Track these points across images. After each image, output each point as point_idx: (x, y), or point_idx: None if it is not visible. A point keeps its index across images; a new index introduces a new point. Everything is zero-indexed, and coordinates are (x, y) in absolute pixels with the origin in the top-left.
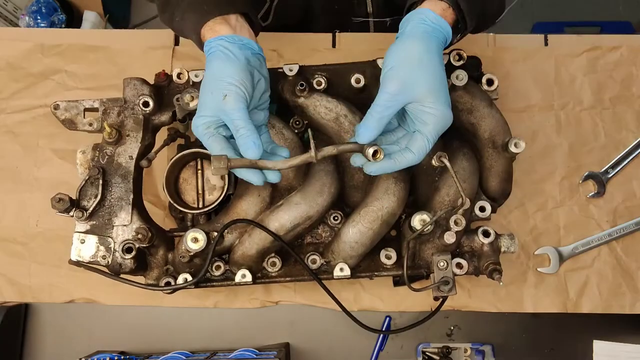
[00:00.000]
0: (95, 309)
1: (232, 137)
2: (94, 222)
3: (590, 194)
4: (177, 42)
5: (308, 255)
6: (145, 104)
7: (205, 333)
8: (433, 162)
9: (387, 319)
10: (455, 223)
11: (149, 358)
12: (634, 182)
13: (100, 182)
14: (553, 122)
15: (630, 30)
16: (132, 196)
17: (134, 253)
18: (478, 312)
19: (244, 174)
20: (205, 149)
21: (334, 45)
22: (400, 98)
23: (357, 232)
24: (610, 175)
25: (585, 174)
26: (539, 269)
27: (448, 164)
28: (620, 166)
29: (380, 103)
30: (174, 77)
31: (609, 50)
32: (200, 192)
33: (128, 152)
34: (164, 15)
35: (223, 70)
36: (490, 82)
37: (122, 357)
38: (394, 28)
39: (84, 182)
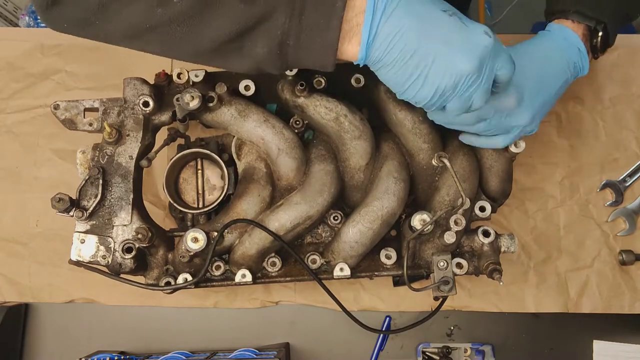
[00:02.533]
0: (95, 309)
1: None
2: (94, 222)
3: (608, 203)
4: None
5: (308, 255)
6: (145, 104)
7: (205, 333)
8: (433, 162)
9: (387, 319)
10: (455, 223)
11: (149, 358)
12: None
13: (100, 182)
14: (553, 122)
15: (630, 30)
16: (132, 196)
17: (134, 253)
18: (478, 312)
19: None
20: (205, 149)
21: None
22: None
23: (357, 232)
24: (628, 184)
25: (603, 182)
26: (618, 234)
27: (448, 163)
28: (638, 175)
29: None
30: (174, 77)
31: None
32: (200, 192)
33: (128, 152)
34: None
35: None
36: None
37: (122, 357)
38: None
39: (84, 182)
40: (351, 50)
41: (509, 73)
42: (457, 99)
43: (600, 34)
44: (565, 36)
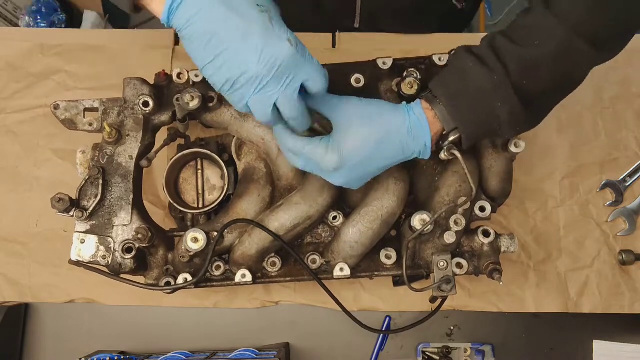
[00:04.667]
0: (95, 309)
1: None
2: (94, 222)
3: (608, 203)
4: (177, 42)
5: (308, 255)
6: (145, 104)
7: (205, 333)
8: (442, 155)
9: (387, 319)
10: (455, 223)
11: (149, 358)
12: None
13: (100, 182)
14: (553, 122)
15: None
16: (132, 196)
17: (134, 253)
18: (478, 312)
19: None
20: (205, 149)
21: (334, 45)
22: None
23: (357, 232)
24: (628, 184)
25: (603, 182)
26: (618, 234)
27: (459, 155)
28: (638, 175)
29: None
30: (174, 77)
31: None
32: (200, 192)
33: (128, 152)
34: None
35: None
36: None
37: (122, 357)
38: None
39: (84, 182)
40: (156, 5)
41: (318, 88)
42: (256, 98)
43: (451, 138)
44: (419, 125)
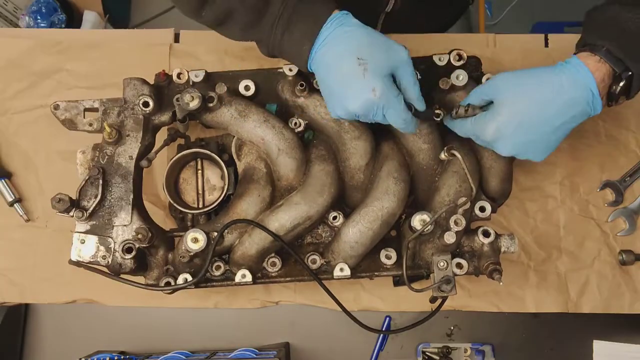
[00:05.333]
0: (95, 309)
1: None
2: (94, 222)
3: (608, 203)
4: (176, 41)
5: (308, 255)
6: (145, 104)
7: (205, 333)
8: (442, 156)
9: (387, 319)
10: (455, 223)
11: (149, 358)
12: None
13: (100, 182)
14: None
15: None
16: (132, 196)
17: (134, 253)
18: (478, 312)
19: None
20: (205, 149)
21: None
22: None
23: (357, 232)
24: (628, 184)
25: (603, 182)
26: (618, 234)
27: (459, 155)
28: (638, 175)
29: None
30: (174, 77)
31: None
32: (200, 192)
33: (128, 152)
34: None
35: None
36: None
37: (122, 357)
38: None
39: (84, 182)
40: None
41: (397, 124)
42: (365, 119)
43: (622, 83)
44: (580, 76)
